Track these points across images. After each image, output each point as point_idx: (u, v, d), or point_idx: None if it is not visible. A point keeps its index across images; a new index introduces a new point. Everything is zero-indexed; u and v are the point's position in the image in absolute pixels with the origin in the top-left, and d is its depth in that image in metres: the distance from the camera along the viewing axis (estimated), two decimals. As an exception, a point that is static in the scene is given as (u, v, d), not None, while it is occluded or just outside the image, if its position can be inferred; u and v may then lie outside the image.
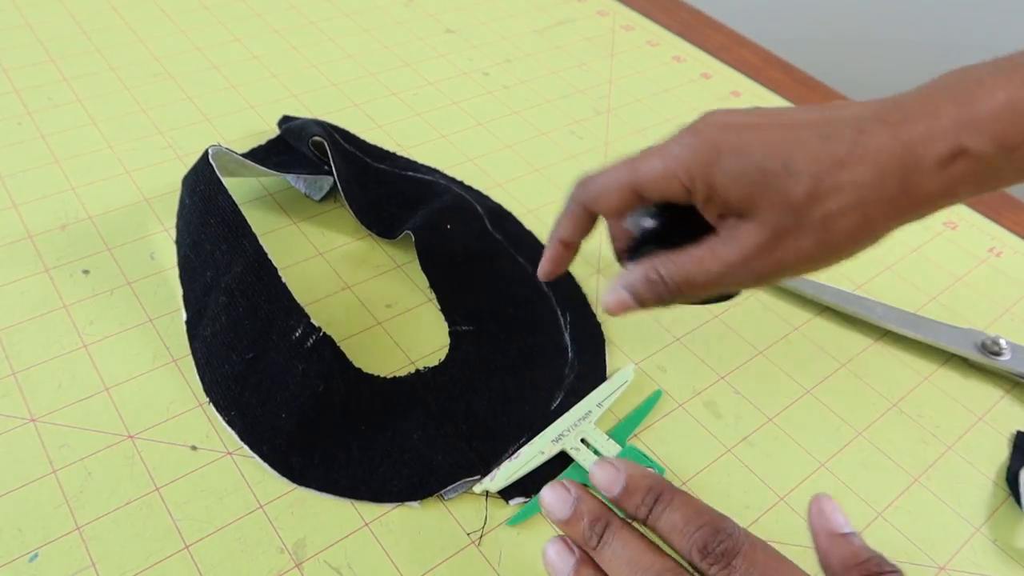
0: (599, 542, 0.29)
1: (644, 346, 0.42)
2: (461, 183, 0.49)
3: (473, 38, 0.65)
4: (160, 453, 0.34)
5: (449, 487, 0.34)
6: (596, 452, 0.36)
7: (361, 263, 0.44)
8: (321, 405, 0.35)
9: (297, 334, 0.35)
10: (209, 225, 0.39)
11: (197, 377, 0.37)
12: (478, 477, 0.34)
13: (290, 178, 0.48)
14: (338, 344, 0.36)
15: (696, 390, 0.40)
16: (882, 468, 0.38)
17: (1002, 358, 0.42)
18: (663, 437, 0.38)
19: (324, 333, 0.35)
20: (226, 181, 0.40)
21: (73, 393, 0.36)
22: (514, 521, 0.34)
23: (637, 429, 0.38)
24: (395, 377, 0.38)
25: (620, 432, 0.37)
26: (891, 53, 1.02)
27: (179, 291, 0.41)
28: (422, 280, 0.43)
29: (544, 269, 0.37)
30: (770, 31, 0.78)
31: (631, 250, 0.35)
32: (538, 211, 0.49)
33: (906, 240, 0.50)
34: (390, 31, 0.64)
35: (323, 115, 0.54)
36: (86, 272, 0.42)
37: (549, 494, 0.30)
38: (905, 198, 0.30)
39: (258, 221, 0.46)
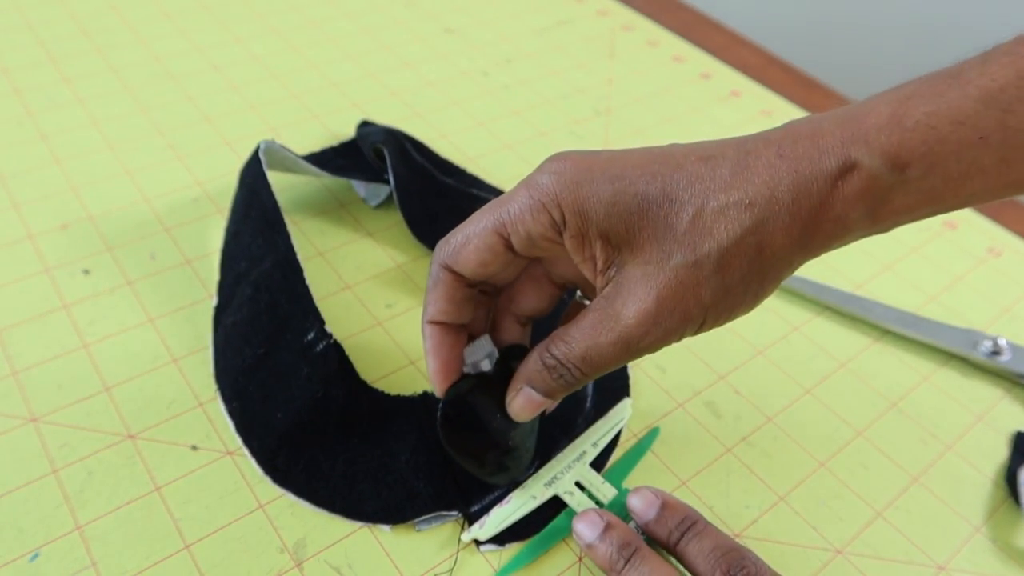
0: (626, 565, 0.30)
1: (644, 346, 0.42)
2: None
3: (473, 38, 0.65)
4: (160, 453, 0.34)
5: (424, 518, 0.33)
6: (591, 496, 0.34)
7: (361, 263, 0.44)
8: (317, 411, 0.34)
9: (309, 337, 0.35)
10: (250, 218, 0.39)
11: (198, 376, 0.37)
12: (455, 513, 0.33)
13: (352, 182, 0.48)
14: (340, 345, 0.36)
15: (696, 390, 0.40)
16: (881, 468, 0.38)
17: (1002, 358, 0.42)
18: (663, 437, 0.38)
19: (335, 341, 0.35)
20: (281, 176, 0.40)
21: (73, 393, 0.36)
22: (503, 573, 0.32)
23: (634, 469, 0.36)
24: (400, 396, 0.37)
25: (616, 474, 0.35)
26: (892, 53, 1.02)
27: (179, 290, 0.41)
28: (422, 280, 0.43)
29: (434, 378, 0.31)
30: (770, 31, 0.78)
31: (447, 394, 0.31)
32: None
33: (906, 240, 0.50)
34: (390, 31, 0.64)
35: (323, 115, 0.54)
36: (86, 272, 0.42)
37: (580, 520, 0.31)
38: (800, 222, 0.26)
39: (258, 221, 0.46)
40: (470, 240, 0.29)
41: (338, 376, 0.35)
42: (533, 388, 0.29)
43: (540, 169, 0.28)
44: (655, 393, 0.39)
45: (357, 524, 0.33)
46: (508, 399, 0.30)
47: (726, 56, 0.67)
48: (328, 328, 0.35)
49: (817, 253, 0.27)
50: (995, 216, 0.53)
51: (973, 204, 0.27)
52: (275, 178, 0.48)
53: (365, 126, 0.51)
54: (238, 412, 0.35)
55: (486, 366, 0.31)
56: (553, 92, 0.60)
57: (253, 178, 0.41)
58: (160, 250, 0.43)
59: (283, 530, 0.32)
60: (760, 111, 0.60)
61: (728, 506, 0.35)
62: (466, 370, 0.31)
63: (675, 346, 0.42)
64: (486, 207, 0.29)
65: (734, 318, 0.28)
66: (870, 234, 0.27)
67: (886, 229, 0.27)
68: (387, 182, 0.46)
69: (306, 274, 0.37)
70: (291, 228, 0.45)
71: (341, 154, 0.49)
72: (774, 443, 0.38)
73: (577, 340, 0.28)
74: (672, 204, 0.26)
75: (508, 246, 0.28)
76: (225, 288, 0.40)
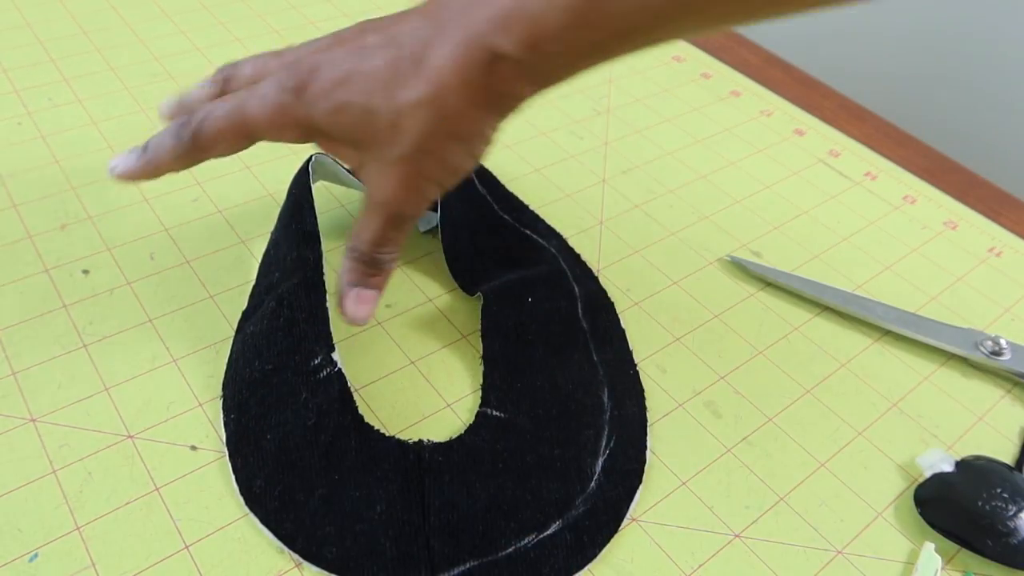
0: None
1: (644, 346, 0.42)
2: (577, 256, 0.45)
3: (473, 38, 0.65)
4: (160, 453, 0.34)
5: None
6: None
7: (361, 263, 0.44)
8: (305, 440, 0.33)
9: (315, 361, 0.35)
10: (291, 230, 0.39)
11: (197, 377, 0.37)
12: None
13: None
14: (339, 348, 0.36)
15: (696, 390, 0.40)
16: (882, 468, 0.38)
17: (1002, 358, 0.42)
18: (663, 437, 0.38)
19: (339, 370, 0.35)
20: (326, 187, 0.42)
21: (73, 393, 0.36)
22: None
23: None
24: (392, 437, 0.35)
25: None
26: (891, 52, 1.02)
27: (179, 291, 0.41)
28: (422, 280, 0.43)
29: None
30: (770, 31, 0.78)
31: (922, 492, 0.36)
32: (538, 211, 0.49)
33: (906, 240, 0.50)
34: (390, 31, 0.64)
35: (323, 115, 0.54)
36: (86, 272, 0.42)
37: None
38: (479, 103, 0.30)
39: (258, 220, 0.46)
40: (225, 132, 0.35)
41: (334, 406, 0.34)
42: (355, 285, 0.35)
43: (271, 82, 0.34)
44: (655, 393, 0.39)
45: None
46: (340, 308, 0.35)
47: (726, 56, 0.67)
48: (336, 356, 0.35)
49: (510, 112, 0.32)
50: (995, 216, 0.53)
51: (630, 50, 0.30)
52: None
53: None
54: (232, 425, 0.35)
55: (946, 467, 0.36)
56: (553, 92, 0.60)
57: (299, 190, 0.40)
58: (159, 250, 0.43)
59: (283, 530, 0.32)
60: (760, 111, 0.60)
61: (728, 506, 0.35)
62: (928, 474, 0.36)
63: (675, 346, 0.42)
64: (236, 100, 0.34)
65: (467, 171, 0.34)
66: (558, 84, 0.31)
67: (570, 76, 0.31)
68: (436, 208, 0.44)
69: (329, 297, 0.36)
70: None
71: None
72: (774, 443, 0.38)
73: (362, 229, 0.34)
74: (374, 113, 0.31)
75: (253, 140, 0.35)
76: (255, 295, 0.39)
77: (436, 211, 0.45)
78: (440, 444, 0.35)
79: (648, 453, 0.37)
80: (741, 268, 0.46)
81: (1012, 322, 0.46)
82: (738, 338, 0.43)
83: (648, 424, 0.38)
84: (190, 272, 0.42)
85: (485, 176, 0.48)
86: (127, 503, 0.33)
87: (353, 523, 0.32)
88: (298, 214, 0.40)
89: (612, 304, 0.43)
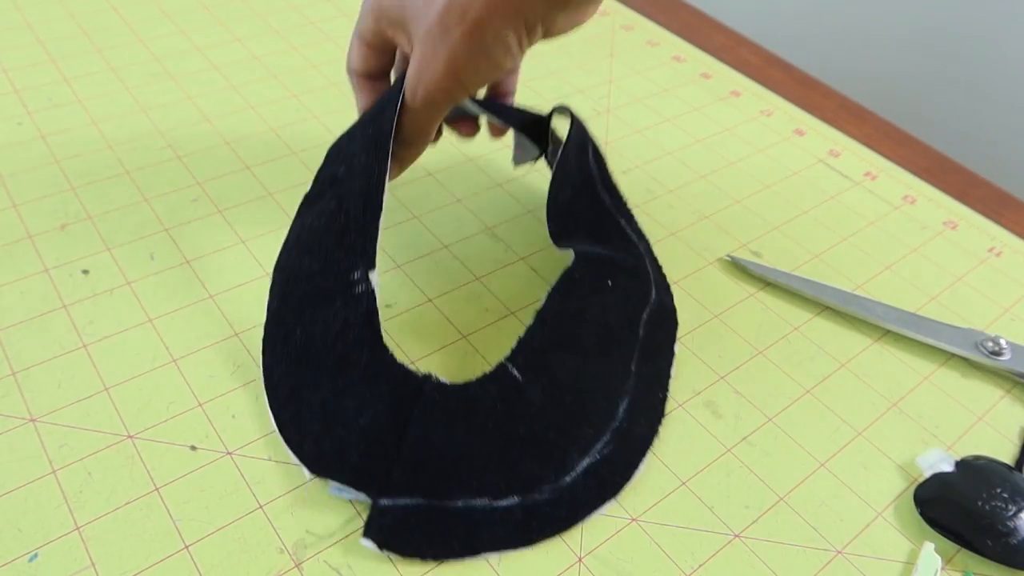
0: None
1: (644, 346, 0.42)
2: (659, 266, 0.45)
3: (473, 38, 0.65)
4: (160, 453, 0.34)
5: (341, 486, 0.33)
6: None
7: (361, 263, 0.44)
8: (324, 344, 0.35)
9: (355, 275, 0.36)
10: (368, 131, 0.39)
11: (197, 376, 0.37)
12: (363, 496, 0.33)
13: (514, 135, 0.47)
14: None
15: (696, 390, 0.40)
16: (882, 468, 0.38)
17: (1002, 358, 0.42)
18: (663, 437, 0.37)
19: (372, 290, 0.35)
20: None
21: (73, 393, 0.36)
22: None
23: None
24: (404, 367, 0.35)
25: None
26: (891, 52, 1.02)
27: (178, 291, 0.41)
28: (422, 280, 0.43)
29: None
30: (770, 31, 0.78)
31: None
32: (537, 211, 0.49)
33: (906, 240, 0.50)
34: (390, 31, 0.64)
35: (323, 115, 0.54)
36: (86, 272, 0.42)
37: None
38: None
39: (258, 220, 0.46)
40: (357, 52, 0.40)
41: (359, 321, 0.35)
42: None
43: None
44: (655, 393, 0.39)
45: (358, 523, 0.33)
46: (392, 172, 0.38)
47: (726, 56, 0.67)
48: (374, 275, 0.36)
49: (519, 18, 0.33)
50: (995, 216, 0.53)
51: None
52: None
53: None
54: (272, 311, 0.37)
55: (946, 467, 0.37)
56: (553, 92, 0.60)
57: (389, 97, 0.38)
58: (160, 250, 0.43)
59: (282, 530, 0.32)
60: (760, 111, 0.60)
61: (728, 506, 0.35)
62: (927, 473, 0.37)
63: (675, 346, 0.42)
64: (356, 26, 0.39)
65: (479, 75, 0.36)
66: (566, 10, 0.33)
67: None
68: (542, 149, 0.45)
69: (383, 215, 0.36)
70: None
71: (512, 109, 0.46)
72: (774, 443, 0.38)
73: (399, 110, 0.37)
74: None
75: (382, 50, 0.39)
76: (319, 181, 0.40)
77: (534, 149, 0.46)
78: (444, 384, 0.35)
79: (637, 473, 0.36)
80: (741, 268, 0.46)
81: (1012, 322, 0.46)
82: (738, 338, 0.43)
83: (650, 449, 0.37)
84: (190, 272, 0.42)
85: (599, 158, 0.47)
86: (127, 503, 0.33)
87: (335, 427, 0.34)
88: (378, 119, 0.38)
89: (676, 324, 0.42)
